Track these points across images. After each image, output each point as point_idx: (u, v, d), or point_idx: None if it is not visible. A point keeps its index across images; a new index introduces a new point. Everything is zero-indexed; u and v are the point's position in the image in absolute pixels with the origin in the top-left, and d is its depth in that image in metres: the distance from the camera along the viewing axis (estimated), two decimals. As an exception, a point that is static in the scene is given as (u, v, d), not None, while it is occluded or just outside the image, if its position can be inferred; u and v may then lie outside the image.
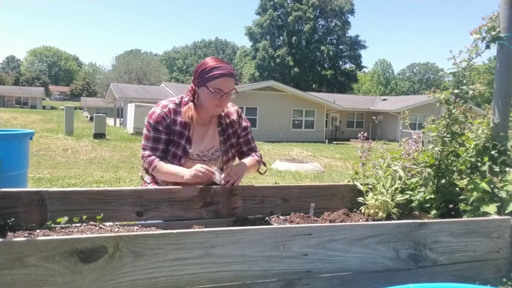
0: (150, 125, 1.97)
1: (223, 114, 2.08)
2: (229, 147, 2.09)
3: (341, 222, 1.91)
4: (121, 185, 6.38)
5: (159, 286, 1.29)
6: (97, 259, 1.22)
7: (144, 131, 2.01)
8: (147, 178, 2.13)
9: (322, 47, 51.35)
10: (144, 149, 2.00)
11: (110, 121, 28.28)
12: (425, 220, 1.69)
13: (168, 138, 1.98)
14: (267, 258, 1.41)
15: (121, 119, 29.14)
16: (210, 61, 1.92)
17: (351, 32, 55.39)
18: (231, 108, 2.14)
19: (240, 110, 2.19)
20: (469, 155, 2.09)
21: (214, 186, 1.97)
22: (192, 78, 2.00)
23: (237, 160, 2.17)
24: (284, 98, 24.63)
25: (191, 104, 1.97)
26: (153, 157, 1.96)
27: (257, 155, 2.17)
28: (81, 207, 1.74)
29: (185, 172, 1.91)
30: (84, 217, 1.71)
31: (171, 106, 1.99)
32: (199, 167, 1.89)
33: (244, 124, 2.16)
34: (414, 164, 2.14)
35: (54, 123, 22.83)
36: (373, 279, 1.54)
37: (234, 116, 2.12)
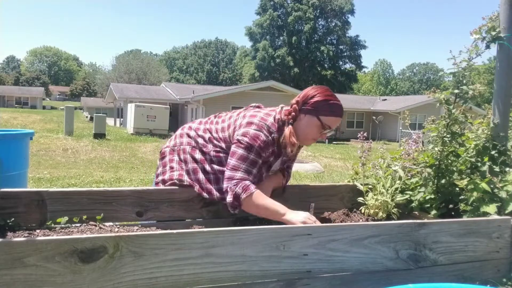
0: (252, 148, 1.74)
1: None
2: (286, 167, 2.05)
3: (341, 222, 1.91)
4: (121, 185, 6.38)
5: (159, 286, 1.29)
6: (97, 259, 1.22)
7: (241, 150, 1.74)
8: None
9: (322, 47, 51.33)
10: (235, 169, 1.73)
11: (110, 121, 28.27)
12: (425, 220, 1.69)
13: (261, 165, 1.85)
14: (267, 258, 1.41)
15: (121, 119, 29.15)
16: (330, 95, 1.82)
17: (351, 32, 55.36)
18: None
19: None
20: (469, 155, 2.09)
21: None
22: (297, 99, 1.84)
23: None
24: (284, 98, 24.55)
25: (291, 127, 1.80)
26: (248, 182, 1.72)
27: (287, 179, 2.09)
28: (81, 207, 1.74)
29: (290, 216, 1.70)
30: (84, 217, 1.71)
31: (275, 135, 1.81)
32: (307, 217, 1.69)
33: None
34: (414, 164, 2.14)
35: (54, 123, 22.84)
36: (373, 279, 1.54)
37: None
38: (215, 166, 1.86)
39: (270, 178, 1.96)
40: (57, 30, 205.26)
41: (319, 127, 1.81)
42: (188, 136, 1.97)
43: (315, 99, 1.81)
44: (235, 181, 1.72)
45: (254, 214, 1.79)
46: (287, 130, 1.80)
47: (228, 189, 1.72)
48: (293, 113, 1.83)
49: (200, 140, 1.92)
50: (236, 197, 1.70)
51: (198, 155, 1.90)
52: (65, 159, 10.33)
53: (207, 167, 1.86)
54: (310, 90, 1.85)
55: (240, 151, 1.74)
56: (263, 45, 50.89)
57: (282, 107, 1.91)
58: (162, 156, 2.02)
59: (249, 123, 1.79)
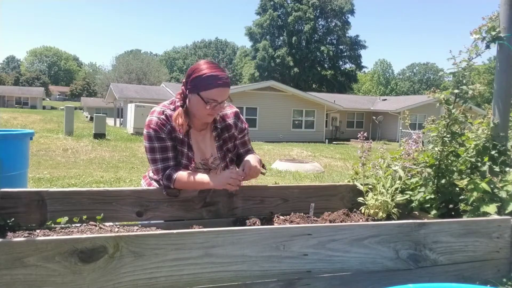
0: (150, 135, 1.83)
1: (218, 117, 1.96)
2: (226, 152, 2.01)
3: (341, 222, 1.91)
4: (121, 185, 6.38)
5: (159, 286, 1.29)
6: (97, 259, 1.22)
7: (146, 143, 1.85)
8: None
9: (322, 47, 51.36)
10: (154, 162, 1.85)
11: (110, 121, 28.29)
12: (425, 220, 1.69)
13: (174, 145, 1.87)
14: (267, 258, 1.41)
15: (121, 119, 29.14)
16: (205, 68, 1.79)
17: (351, 32, 55.36)
18: (228, 110, 2.01)
19: (239, 111, 2.06)
20: (469, 155, 2.09)
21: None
22: (184, 81, 1.86)
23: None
24: (284, 98, 24.63)
25: (180, 110, 1.83)
26: (168, 171, 1.83)
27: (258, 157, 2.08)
28: (81, 207, 1.74)
29: (214, 181, 1.81)
30: (84, 217, 1.71)
31: (168, 112, 1.86)
32: (229, 176, 1.78)
33: (242, 126, 2.04)
34: (414, 164, 2.14)
35: (54, 123, 22.84)
36: (373, 279, 1.54)
37: (231, 120, 2.00)
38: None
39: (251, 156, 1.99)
40: (57, 30, 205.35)
41: (203, 103, 1.78)
42: None
43: (191, 77, 1.80)
44: (159, 175, 1.85)
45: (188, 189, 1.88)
46: (175, 112, 1.83)
47: (160, 183, 1.87)
48: (182, 95, 1.86)
49: None
50: (168, 188, 1.84)
51: None
52: (65, 159, 10.33)
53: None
54: (191, 67, 1.85)
55: (146, 144, 1.86)
56: (263, 45, 50.91)
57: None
58: None
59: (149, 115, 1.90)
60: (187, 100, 1.85)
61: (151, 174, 2.06)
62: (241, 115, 2.09)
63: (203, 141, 1.98)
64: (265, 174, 2.16)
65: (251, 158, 1.95)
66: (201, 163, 1.98)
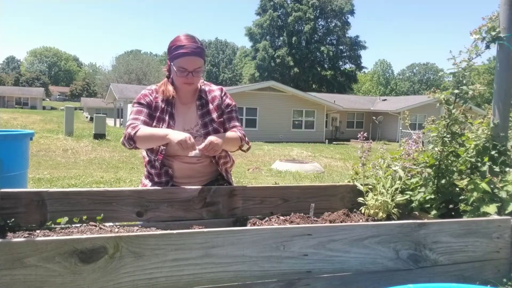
0: (134, 103, 2.04)
1: (206, 90, 2.12)
2: (209, 121, 2.05)
3: (341, 222, 1.91)
4: (121, 185, 6.38)
5: (159, 286, 1.29)
6: (97, 259, 1.22)
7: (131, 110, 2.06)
8: (145, 172, 2.12)
9: (322, 48, 51.35)
10: (128, 121, 2.01)
11: (110, 122, 28.29)
12: (425, 221, 1.69)
13: (150, 113, 1.99)
14: (267, 258, 1.41)
15: (121, 120, 29.14)
16: (177, 39, 1.95)
17: (351, 33, 55.26)
18: (214, 87, 2.16)
19: (223, 88, 2.18)
20: (469, 155, 2.09)
21: (214, 186, 1.98)
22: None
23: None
24: (284, 98, 24.63)
25: (165, 79, 2.06)
26: (135, 123, 1.95)
27: (240, 132, 2.09)
28: (81, 207, 1.74)
29: (172, 134, 1.85)
30: (84, 217, 1.71)
31: (154, 86, 2.07)
32: (188, 137, 1.82)
33: (229, 101, 2.13)
34: (414, 164, 2.14)
35: (54, 123, 22.83)
36: (373, 279, 1.53)
37: (217, 93, 2.12)
38: None
39: (220, 134, 2.04)
40: (57, 30, 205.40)
41: (176, 72, 1.95)
42: None
43: (168, 48, 1.98)
44: (126, 128, 1.96)
45: (148, 146, 1.98)
46: (161, 83, 2.07)
47: (123, 138, 1.96)
48: (168, 67, 2.05)
49: None
50: (129, 136, 1.90)
51: None
52: (65, 159, 10.33)
53: None
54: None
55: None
56: (263, 45, 50.90)
57: None
58: None
59: None
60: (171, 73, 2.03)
61: (144, 172, 2.17)
62: (227, 92, 2.20)
63: (188, 112, 2.07)
64: (247, 151, 2.16)
65: (220, 134, 2.03)
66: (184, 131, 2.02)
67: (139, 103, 2.02)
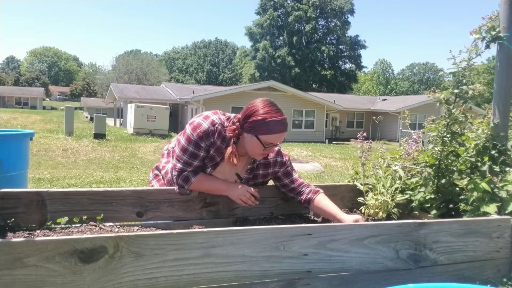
0: (192, 138, 1.81)
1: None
2: (253, 185, 1.98)
3: (341, 222, 1.91)
4: (121, 185, 6.38)
5: (159, 286, 1.29)
6: (97, 259, 1.22)
7: (183, 141, 1.84)
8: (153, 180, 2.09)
9: (322, 47, 51.34)
10: (178, 160, 1.86)
11: (110, 122, 28.28)
12: (425, 220, 1.69)
13: (206, 156, 1.86)
14: (267, 258, 1.41)
15: (121, 120, 29.14)
16: (263, 107, 1.79)
17: (351, 32, 55.42)
18: (282, 156, 2.02)
19: (280, 149, 2.03)
20: (469, 155, 2.09)
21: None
22: (239, 118, 1.84)
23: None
24: (284, 98, 24.60)
25: (234, 147, 1.83)
26: (186, 173, 1.85)
27: (316, 188, 2.03)
28: (81, 207, 1.74)
29: (231, 191, 1.87)
30: (84, 217, 1.71)
31: (219, 127, 1.83)
32: (246, 190, 1.86)
33: (283, 159, 2.02)
34: (414, 164, 2.14)
35: (54, 123, 22.83)
36: (373, 279, 1.53)
37: (271, 157, 1.98)
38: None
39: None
40: (57, 30, 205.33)
41: (260, 145, 1.79)
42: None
43: (253, 118, 1.79)
44: (176, 172, 1.86)
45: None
46: (229, 149, 1.83)
47: (174, 181, 1.89)
48: (236, 131, 1.83)
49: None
50: (181, 188, 1.87)
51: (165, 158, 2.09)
52: (65, 159, 10.33)
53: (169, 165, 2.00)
54: (250, 107, 1.82)
55: (183, 141, 1.84)
56: (263, 45, 50.88)
57: (235, 116, 1.90)
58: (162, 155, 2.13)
59: (199, 116, 1.89)
60: (241, 137, 1.85)
61: (164, 165, 2.05)
62: (281, 151, 2.06)
63: (233, 168, 1.94)
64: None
65: (331, 205, 1.92)
66: None
67: (197, 145, 1.81)
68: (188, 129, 1.84)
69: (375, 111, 30.75)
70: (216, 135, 1.82)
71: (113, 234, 1.32)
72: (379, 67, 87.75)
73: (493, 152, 2.05)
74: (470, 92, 2.01)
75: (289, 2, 51.98)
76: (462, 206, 1.92)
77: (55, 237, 1.25)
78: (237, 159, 1.82)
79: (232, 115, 1.91)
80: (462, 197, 1.95)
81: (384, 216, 1.93)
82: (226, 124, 1.86)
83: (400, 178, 2.01)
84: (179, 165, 1.85)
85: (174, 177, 1.87)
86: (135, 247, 1.26)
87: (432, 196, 2.05)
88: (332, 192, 2.18)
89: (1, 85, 63.52)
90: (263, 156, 1.89)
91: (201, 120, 1.83)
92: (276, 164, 2.00)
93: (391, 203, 1.94)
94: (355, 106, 31.38)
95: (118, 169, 8.91)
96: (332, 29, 52.77)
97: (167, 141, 2.14)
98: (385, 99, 34.83)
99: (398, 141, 17.95)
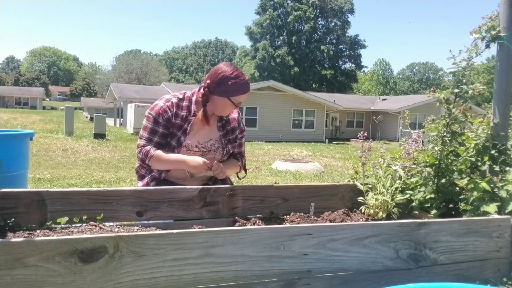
0: (150, 116, 2.00)
1: None
2: (228, 141, 2.15)
3: (341, 222, 1.91)
4: (121, 185, 6.38)
5: (159, 286, 1.29)
6: (97, 259, 1.22)
7: (144, 121, 2.04)
8: (143, 171, 2.10)
9: (322, 47, 51.36)
10: (140, 138, 2.03)
11: (110, 122, 28.29)
12: (425, 220, 1.69)
13: (166, 132, 2.01)
14: (267, 258, 1.41)
15: (121, 120, 29.14)
16: (231, 73, 1.97)
17: (351, 32, 55.43)
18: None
19: (241, 116, 2.28)
20: (469, 155, 2.09)
21: (214, 186, 1.98)
22: (208, 81, 2.00)
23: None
24: (284, 98, 24.62)
25: (206, 109, 2.01)
26: (148, 147, 1.99)
27: (243, 161, 2.26)
28: (81, 207, 1.74)
29: (189, 160, 1.96)
30: (84, 217, 1.71)
31: (174, 100, 2.03)
32: (201, 161, 1.94)
33: (243, 127, 2.26)
34: (414, 164, 2.14)
35: (54, 123, 22.83)
36: (373, 279, 1.54)
37: (235, 115, 2.20)
38: None
39: (226, 162, 2.16)
40: (57, 30, 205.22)
41: (232, 105, 2.01)
42: None
43: (219, 81, 1.96)
44: (139, 148, 2.01)
45: (163, 168, 2.04)
46: (201, 112, 2.02)
47: (137, 156, 2.04)
48: (205, 96, 2.01)
49: None
50: (143, 161, 2.01)
51: None
52: (65, 159, 10.33)
53: None
54: (219, 74, 1.98)
55: (144, 121, 2.04)
56: (263, 44, 50.89)
57: (200, 88, 2.07)
58: None
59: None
60: (209, 100, 2.01)
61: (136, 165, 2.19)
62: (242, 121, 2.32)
63: (204, 128, 2.08)
64: (242, 178, 2.29)
65: (229, 161, 2.18)
66: (198, 146, 2.07)
67: (156, 121, 2.00)
68: (147, 111, 2.04)
69: (375, 111, 30.76)
70: (174, 108, 2.01)
71: (113, 234, 1.32)
72: (378, 67, 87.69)
73: (493, 151, 2.05)
74: (470, 91, 2.01)
75: (288, 2, 51.98)
76: (462, 205, 1.92)
77: (55, 237, 1.25)
78: (208, 121, 2.02)
79: (188, 91, 2.11)
80: (462, 196, 1.95)
81: (384, 215, 1.93)
82: (181, 96, 2.06)
83: (400, 178, 2.01)
84: (141, 142, 2.01)
85: (137, 153, 2.02)
86: (135, 247, 1.26)
87: (432, 195, 2.05)
88: (332, 191, 2.18)
89: (1, 85, 63.51)
90: (230, 112, 2.11)
91: (157, 101, 2.05)
92: (239, 125, 2.22)
93: (391, 202, 1.94)
94: (355, 106, 31.39)
95: (118, 169, 8.91)
96: (332, 28, 52.78)
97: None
98: (385, 99, 34.84)
99: (398, 141, 17.96)
